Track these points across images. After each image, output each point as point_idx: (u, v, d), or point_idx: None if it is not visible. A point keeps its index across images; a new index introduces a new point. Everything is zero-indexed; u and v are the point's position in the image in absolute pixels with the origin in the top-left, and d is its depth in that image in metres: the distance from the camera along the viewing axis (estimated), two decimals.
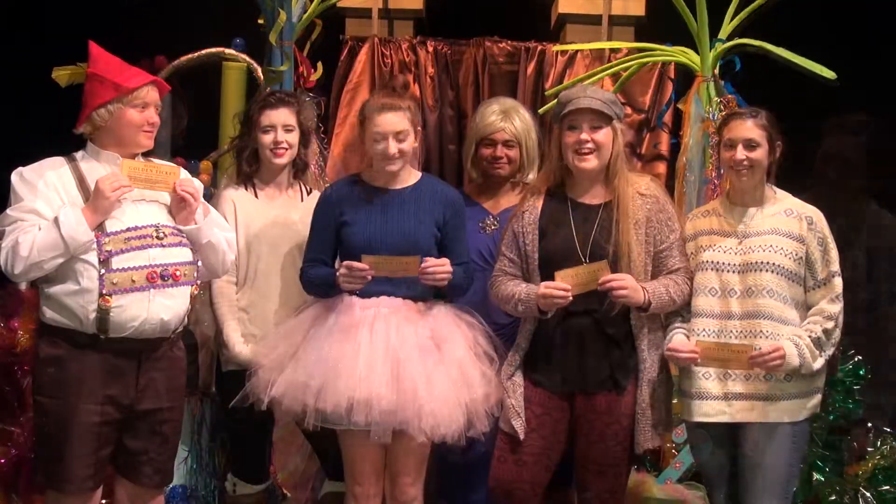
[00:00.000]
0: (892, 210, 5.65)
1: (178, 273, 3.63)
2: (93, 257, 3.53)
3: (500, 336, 4.03)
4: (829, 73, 4.78)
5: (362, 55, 5.53)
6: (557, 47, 5.48)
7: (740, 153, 3.83)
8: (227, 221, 4.06)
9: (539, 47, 5.58)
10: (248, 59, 5.30)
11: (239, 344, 4.12)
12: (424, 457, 3.93)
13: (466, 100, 5.58)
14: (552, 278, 3.72)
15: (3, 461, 4.57)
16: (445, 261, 3.85)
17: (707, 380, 3.83)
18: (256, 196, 4.27)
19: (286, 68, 4.95)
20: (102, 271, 3.52)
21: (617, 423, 3.80)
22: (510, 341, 3.98)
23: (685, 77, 5.25)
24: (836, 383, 4.95)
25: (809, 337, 3.76)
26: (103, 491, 3.74)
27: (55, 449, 3.58)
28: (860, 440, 5.17)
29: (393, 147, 3.87)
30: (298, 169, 4.35)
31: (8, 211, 3.58)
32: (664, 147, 5.52)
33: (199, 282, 3.74)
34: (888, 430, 5.16)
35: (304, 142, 4.31)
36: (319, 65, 5.12)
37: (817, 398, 3.87)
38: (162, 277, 3.59)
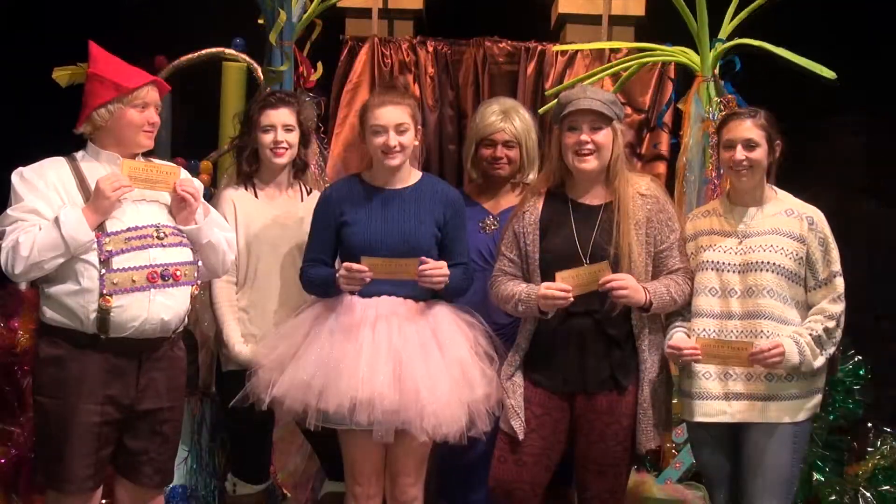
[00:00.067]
0: (892, 209, 5.66)
1: (178, 273, 3.63)
2: (93, 257, 3.53)
3: (500, 336, 4.03)
4: (829, 73, 4.78)
5: (362, 55, 5.53)
6: (557, 47, 5.48)
7: (739, 153, 3.82)
8: (227, 221, 4.06)
9: (539, 47, 5.58)
10: (248, 59, 5.30)
11: (239, 344, 4.12)
12: (425, 457, 3.93)
13: (466, 100, 5.58)
14: (552, 278, 3.72)
15: (3, 461, 4.57)
16: (443, 264, 3.84)
17: (708, 380, 3.83)
18: (256, 196, 4.27)
19: (286, 68, 4.95)
20: (103, 271, 3.52)
21: (617, 423, 3.80)
22: (510, 341, 3.98)
23: (685, 77, 5.25)
24: (836, 383, 4.96)
25: (810, 335, 3.76)
26: (103, 491, 3.74)
27: (55, 449, 3.58)
28: (860, 440, 5.18)
29: (393, 139, 3.86)
30: (298, 169, 4.35)
31: (8, 211, 3.58)
32: (664, 147, 5.52)
33: (199, 282, 3.74)
34: (888, 430, 5.16)
35: (304, 142, 4.32)
36: (319, 65, 5.11)
37: (818, 398, 3.86)
38: (162, 277, 3.59)
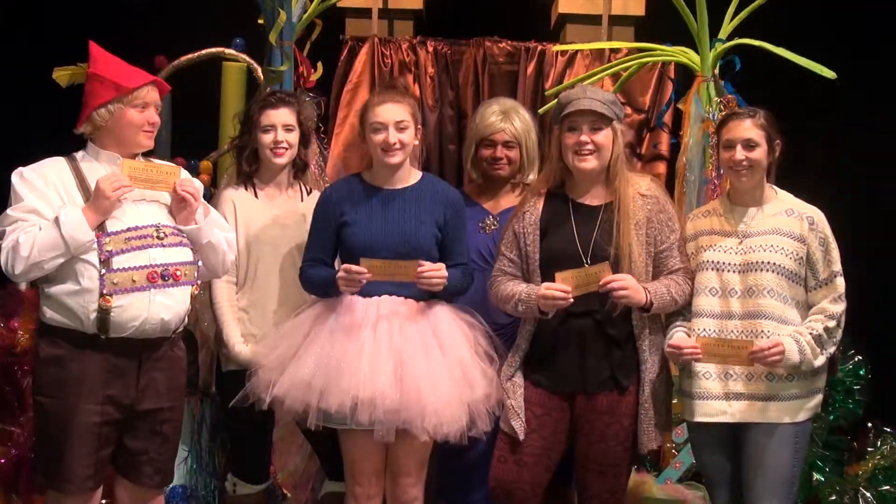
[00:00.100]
0: (892, 209, 5.66)
1: (178, 273, 3.63)
2: (93, 257, 3.53)
3: (500, 336, 4.03)
4: (829, 73, 4.78)
5: (362, 55, 5.53)
6: (557, 47, 5.48)
7: (739, 153, 3.82)
8: (227, 221, 4.06)
9: (539, 47, 5.58)
10: (248, 59, 5.30)
11: (239, 344, 4.12)
12: (426, 457, 3.94)
13: (466, 100, 5.58)
14: (552, 279, 3.72)
15: (3, 461, 4.57)
16: (441, 266, 3.84)
17: (708, 380, 3.83)
18: (256, 196, 4.27)
19: (286, 68, 4.95)
20: (103, 271, 3.52)
21: (618, 423, 3.80)
22: (510, 341, 3.98)
23: (685, 77, 5.25)
24: (836, 383, 4.96)
25: (811, 334, 3.75)
26: (103, 491, 3.73)
27: (55, 449, 3.58)
28: (860, 440, 5.18)
29: (393, 136, 3.86)
30: (298, 169, 4.36)
31: (8, 211, 3.58)
32: (664, 147, 5.52)
33: (199, 282, 3.74)
34: (888, 430, 5.16)
35: (304, 142, 4.32)
36: (319, 65, 5.12)
37: (818, 398, 3.86)
38: (162, 277, 3.59)
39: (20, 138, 4.94)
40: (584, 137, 3.79)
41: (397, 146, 3.87)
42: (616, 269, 3.75)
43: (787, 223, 3.84)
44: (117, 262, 3.54)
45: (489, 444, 3.96)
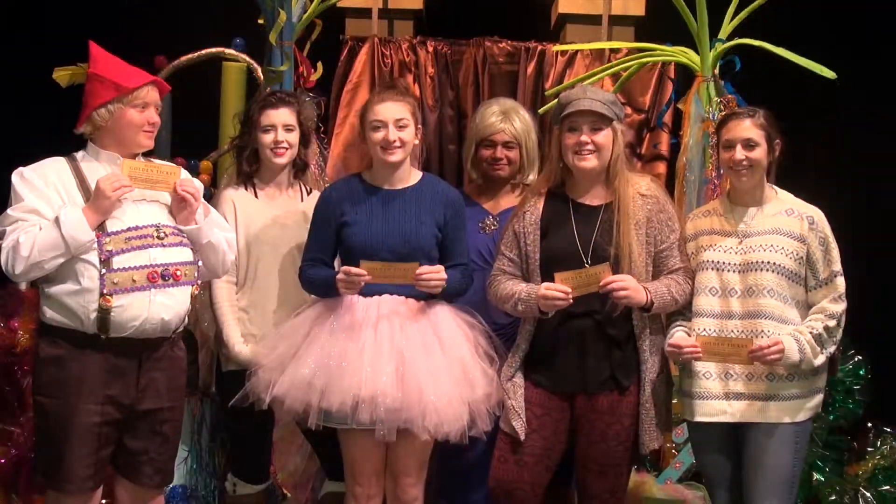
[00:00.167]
0: (892, 209, 5.66)
1: (178, 273, 3.63)
2: (93, 257, 3.53)
3: (500, 336, 4.03)
4: (829, 73, 4.78)
5: (362, 55, 5.53)
6: (557, 47, 5.48)
7: (739, 153, 3.82)
8: (227, 221, 4.06)
9: (539, 47, 5.58)
10: (248, 59, 5.30)
11: (239, 344, 4.12)
12: (426, 457, 3.94)
13: (466, 100, 5.58)
14: (552, 279, 3.72)
15: (3, 461, 4.57)
16: (440, 268, 3.84)
17: (708, 379, 3.83)
18: (256, 196, 4.27)
19: (286, 68, 4.95)
20: (103, 271, 3.52)
21: (619, 423, 3.80)
22: (510, 341, 3.98)
23: (685, 77, 5.25)
24: (836, 383, 4.96)
25: (811, 333, 3.75)
26: (103, 491, 3.73)
27: (55, 449, 3.58)
28: (860, 440, 5.18)
29: (393, 133, 3.86)
30: (298, 169, 4.36)
31: (8, 211, 3.58)
32: (664, 147, 5.52)
33: (199, 282, 3.74)
34: (888, 430, 5.17)
35: (304, 142, 4.32)
36: (319, 65, 5.12)
37: (818, 398, 3.87)
38: (163, 277, 3.59)
39: (20, 138, 4.94)
40: (584, 137, 3.79)
41: (397, 144, 3.87)
42: (616, 268, 3.75)
43: (787, 223, 3.84)
44: (117, 261, 3.54)
45: (489, 444, 3.96)
